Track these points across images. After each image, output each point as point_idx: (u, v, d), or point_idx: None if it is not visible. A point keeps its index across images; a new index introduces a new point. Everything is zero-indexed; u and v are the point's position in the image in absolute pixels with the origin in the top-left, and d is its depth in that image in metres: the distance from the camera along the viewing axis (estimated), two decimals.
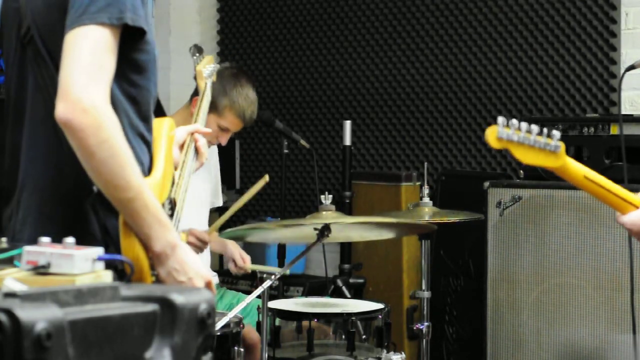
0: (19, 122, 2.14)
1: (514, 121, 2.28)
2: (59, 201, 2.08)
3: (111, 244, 1.99)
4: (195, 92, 3.78)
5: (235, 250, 3.89)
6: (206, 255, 3.88)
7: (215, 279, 4.02)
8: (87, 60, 1.92)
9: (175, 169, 2.34)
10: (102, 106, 1.91)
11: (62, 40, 1.97)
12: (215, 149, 4.04)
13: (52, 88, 2.01)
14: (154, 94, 2.19)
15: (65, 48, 1.95)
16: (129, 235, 2.00)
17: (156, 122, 2.26)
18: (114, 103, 2.02)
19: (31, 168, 2.11)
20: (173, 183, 2.25)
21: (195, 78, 2.95)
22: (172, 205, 2.20)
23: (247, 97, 3.70)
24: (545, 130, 2.34)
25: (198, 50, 2.86)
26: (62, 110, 1.90)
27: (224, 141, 3.79)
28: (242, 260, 3.86)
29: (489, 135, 2.25)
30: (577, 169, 2.45)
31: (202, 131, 2.47)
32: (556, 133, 2.36)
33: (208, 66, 2.90)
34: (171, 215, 2.18)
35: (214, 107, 3.66)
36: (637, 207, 2.44)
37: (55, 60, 2.02)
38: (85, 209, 2.05)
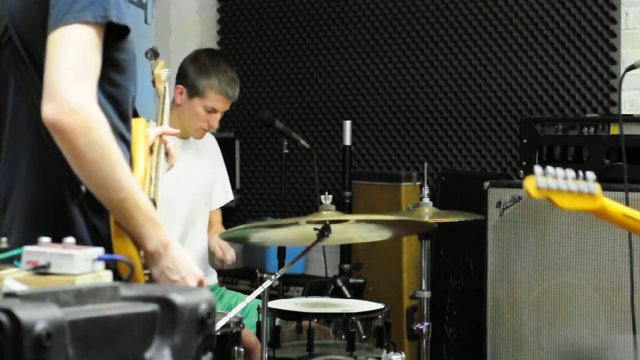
0: (1, 124, 2.11)
1: (550, 169, 2.29)
2: (45, 204, 2.07)
3: (101, 244, 1.98)
4: (175, 80, 3.82)
5: (215, 244, 3.89)
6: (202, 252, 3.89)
7: (214, 278, 4.02)
8: (73, 60, 1.90)
9: None
10: (90, 106, 1.90)
11: (42, 40, 1.95)
12: (215, 143, 4.04)
13: (33, 90, 1.99)
14: (134, 93, 2.17)
15: (49, 48, 1.92)
16: (120, 234, 1.99)
17: (134, 122, 2.25)
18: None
19: (16, 171, 2.09)
20: (151, 183, 2.24)
21: (153, 82, 2.94)
22: (153, 204, 2.18)
23: (225, 73, 3.81)
24: (580, 173, 2.34)
25: (155, 54, 2.87)
26: (50, 111, 1.87)
27: (215, 123, 3.84)
28: (221, 250, 3.84)
29: (528, 185, 2.27)
30: (616, 208, 2.44)
31: (170, 132, 2.45)
32: (591, 175, 2.36)
33: (163, 71, 2.91)
34: None
35: (195, 91, 3.76)
36: None
37: (35, 61, 2.00)
38: (72, 211, 2.03)
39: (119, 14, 1.98)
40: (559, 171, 2.30)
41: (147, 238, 1.99)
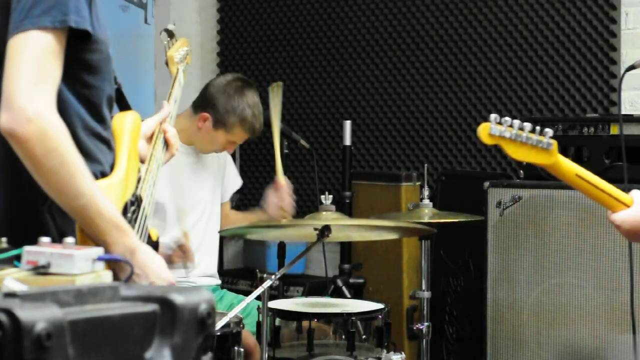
0: None
1: (507, 118, 2.32)
2: (16, 208, 2.05)
3: None
4: (200, 103, 3.78)
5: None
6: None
7: (216, 280, 4.02)
8: (30, 67, 1.88)
9: (143, 162, 2.29)
10: (47, 114, 1.87)
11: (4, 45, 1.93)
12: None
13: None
14: (110, 92, 2.15)
15: (8, 55, 1.90)
16: (86, 241, 1.96)
17: (118, 117, 2.22)
18: (66, 106, 2.00)
19: None
20: (139, 179, 2.21)
21: (166, 64, 2.84)
22: (138, 202, 2.16)
23: (254, 112, 3.73)
24: (538, 128, 2.36)
25: (169, 34, 2.80)
26: (5, 120, 1.86)
27: (230, 151, 3.83)
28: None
29: (481, 131, 2.30)
30: (569, 167, 2.46)
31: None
32: (549, 131, 2.38)
33: (181, 49, 2.81)
34: (135, 212, 2.14)
35: (221, 124, 3.69)
36: (627, 206, 2.47)
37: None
38: (43, 216, 2.02)
39: (79, 19, 1.95)
40: (516, 122, 2.33)
41: (112, 245, 1.95)
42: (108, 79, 2.13)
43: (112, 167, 2.14)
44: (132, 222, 2.11)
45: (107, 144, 2.13)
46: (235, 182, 4.06)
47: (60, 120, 1.90)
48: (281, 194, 3.81)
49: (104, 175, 2.10)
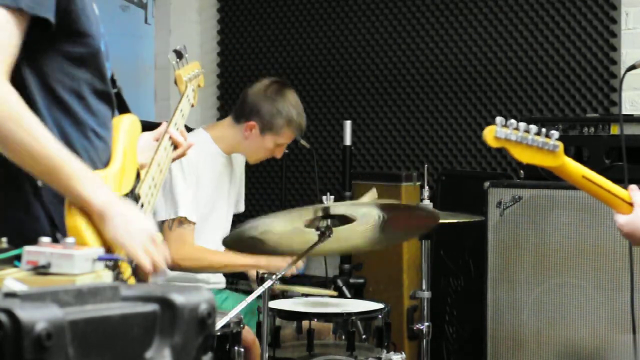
0: None
1: (512, 121, 2.31)
2: (9, 199, 2.07)
3: (61, 236, 1.98)
4: (242, 113, 3.78)
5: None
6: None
7: (222, 282, 4.03)
8: None
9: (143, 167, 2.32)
10: None
11: None
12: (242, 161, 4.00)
13: None
14: (100, 87, 2.17)
15: None
16: (73, 214, 1.97)
17: (116, 119, 2.25)
18: (55, 99, 2.04)
19: None
20: (138, 179, 2.23)
21: (175, 82, 2.88)
22: (135, 200, 2.18)
23: (299, 111, 3.81)
24: (543, 130, 2.36)
25: (178, 55, 2.86)
26: None
27: (279, 155, 3.84)
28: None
29: (487, 134, 2.29)
30: (576, 168, 2.46)
31: (174, 135, 2.45)
32: (554, 133, 2.38)
33: (191, 72, 2.88)
34: None
35: (269, 129, 3.72)
36: (630, 205, 2.48)
37: None
38: (35, 207, 2.04)
39: (33, 4, 1.97)
40: (521, 124, 2.33)
41: (90, 199, 1.96)
42: (97, 74, 2.15)
43: (107, 165, 2.16)
44: None
45: (103, 140, 2.16)
46: (241, 205, 4.07)
47: (9, 86, 1.91)
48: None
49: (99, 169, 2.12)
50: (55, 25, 2.02)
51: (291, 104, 3.77)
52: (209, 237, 3.70)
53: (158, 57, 5.63)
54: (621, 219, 2.49)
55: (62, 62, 2.06)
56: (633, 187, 2.53)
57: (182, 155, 2.49)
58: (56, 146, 1.94)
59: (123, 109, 2.34)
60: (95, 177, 2.00)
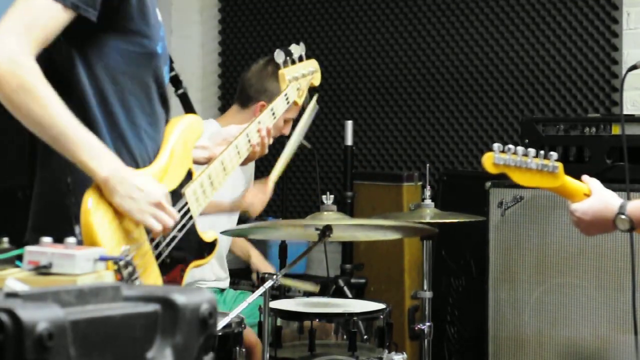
0: None
1: (511, 146, 2.34)
2: (52, 204, 2.14)
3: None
4: (248, 96, 3.77)
5: (260, 264, 3.94)
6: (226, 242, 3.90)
7: (226, 282, 4.03)
8: (14, 17, 2.00)
9: (203, 163, 2.36)
10: (17, 55, 1.98)
11: None
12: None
13: None
14: (156, 89, 2.23)
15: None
16: (88, 212, 2.01)
17: (175, 119, 2.31)
18: (107, 95, 2.12)
19: (32, 167, 2.18)
20: (190, 178, 2.26)
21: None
22: (176, 198, 2.18)
23: None
24: (542, 152, 2.38)
25: (287, 53, 2.85)
26: None
27: (287, 131, 3.84)
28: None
29: (485, 161, 2.33)
30: (577, 187, 2.47)
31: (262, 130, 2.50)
32: (553, 154, 2.40)
33: (301, 69, 2.85)
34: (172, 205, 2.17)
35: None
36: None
37: None
38: (71, 209, 2.08)
39: (79, 3, 2.05)
40: (519, 149, 2.35)
41: (95, 167, 2.02)
42: (152, 73, 2.22)
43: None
44: None
45: (151, 137, 2.21)
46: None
47: (32, 61, 2.00)
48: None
49: (137, 167, 2.17)
50: (106, 23, 2.09)
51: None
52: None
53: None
54: (574, 205, 2.48)
55: (116, 60, 2.13)
56: (585, 177, 2.53)
57: (258, 156, 2.51)
58: (66, 117, 2.00)
59: (188, 109, 2.37)
60: (102, 147, 2.05)
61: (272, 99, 3.70)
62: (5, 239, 1.69)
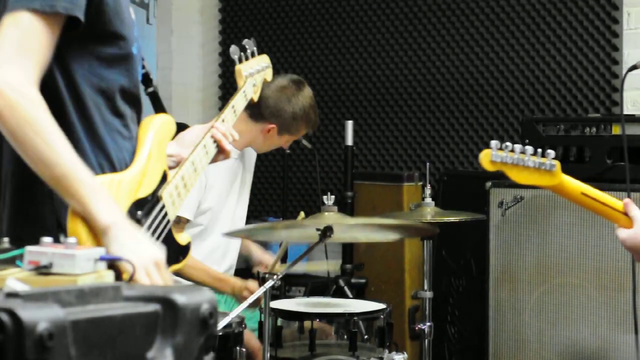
0: None
1: (508, 144, 2.35)
2: (28, 197, 2.07)
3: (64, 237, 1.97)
4: (260, 113, 3.76)
5: (262, 256, 3.95)
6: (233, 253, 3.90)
7: None
8: (8, 43, 1.91)
9: (173, 167, 2.29)
10: (19, 86, 1.89)
11: None
12: (254, 153, 4.00)
13: None
14: (129, 88, 2.16)
15: None
16: (75, 219, 1.94)
17: (148, 119, 2.23)
18: (84, 99, 2.04)
19: (7, 164, 2.10)
20: (165, 180, 2.20)
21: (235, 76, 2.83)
22: (154, 201, 2.14)
23: (315, 109, 3.81)
24: (539, 150, 2.38)
25: (242, 49, 2.81)
26: None
27: (287, 146, 3.89)
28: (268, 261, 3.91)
29: (482, 158, 2.33)
30: (574, 186, 2.48)
31: (220, 130, 2.42)
32: (551, 152, 2.41)
33: (256, 65, 2.79)
34: (149, 211, 2.12)
35: (286, 130, 3.75)
36: (626, 216, 2.51)
37: None
38: (49, 218, 2.03)
39: (70, 5, 1.96)
40: (517, 146, 2.36)
41: (97, 212, 1.92)
42: (127, 75, 2.14)
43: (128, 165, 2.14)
44: (141, 220, 2.09)
45: (128, 140, 2.15)
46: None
47: (37, 92, 1.91)
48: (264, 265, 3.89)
49: (114, 171, 2.10)
50: (87, 25, 2.01)
51: (309, 105, 3.79)
52: (218, 238, 3.69)
53: (159, 57, 5.63)
54: (623, 233, 2.52)
55: (92, 63, 2.05)
56: (627, 201, 2.55)
57: (226, 156, 2.44)
58: (69, 156, 1.91)
59: (159, 108, 2.32)
60: (105, 193, 1.96)
61: (284, 125, 3.73)
62: (6, 239, 1.69)
